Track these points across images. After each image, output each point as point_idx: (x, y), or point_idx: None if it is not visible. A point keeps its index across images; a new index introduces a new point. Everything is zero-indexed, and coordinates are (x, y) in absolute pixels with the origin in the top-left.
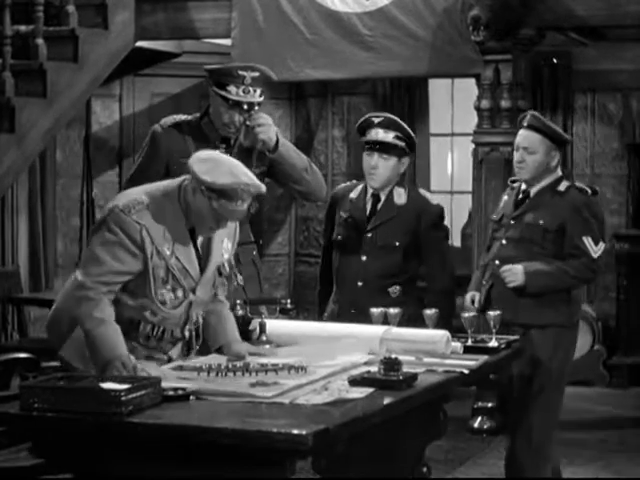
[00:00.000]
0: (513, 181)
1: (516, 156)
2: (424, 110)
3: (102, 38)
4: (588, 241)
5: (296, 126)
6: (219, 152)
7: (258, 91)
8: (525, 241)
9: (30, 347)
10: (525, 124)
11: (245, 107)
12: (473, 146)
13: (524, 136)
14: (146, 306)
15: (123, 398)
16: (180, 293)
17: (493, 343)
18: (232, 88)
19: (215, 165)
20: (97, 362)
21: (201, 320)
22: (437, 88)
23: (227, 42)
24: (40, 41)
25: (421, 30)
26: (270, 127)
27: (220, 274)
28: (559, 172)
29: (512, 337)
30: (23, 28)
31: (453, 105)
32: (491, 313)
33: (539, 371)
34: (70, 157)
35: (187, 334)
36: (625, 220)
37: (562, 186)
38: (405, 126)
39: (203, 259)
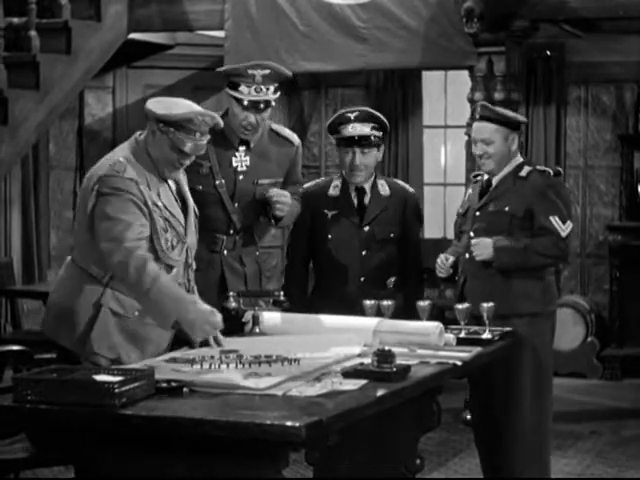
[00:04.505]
0: (475, 175)
1: (476, 150)
2: (417, 102)
3: (95, 30)
4: (555, 220)
5: (289, 118)
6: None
7: (272, 88)
8: (493, 231)
9: (23, 339)
10: (477, 116)
11: (261, 106)
12: (466, 138)
13: (478, 128)
14: (159, 262)
15: (116, 390)
16: (178, 239)
17: (486, 335)
18: (244, 88)
19: (170, 102)
20: (169, 315)
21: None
22: (430, 80)
23: (220, 34)
24: (33, 33)
25: (414, 22)
26: (286, 206)
27: (196, 216)
28: (520, 158)
29: (506, 329)
30: (16, 20)
31: (446, 97)
32: (484, 305)
33: (524, 361)
34: (63, 149)
35: (190, 284)
36: (618, 212)
37: (524, 171)
38: (379, 115)
39: (181, 205)
